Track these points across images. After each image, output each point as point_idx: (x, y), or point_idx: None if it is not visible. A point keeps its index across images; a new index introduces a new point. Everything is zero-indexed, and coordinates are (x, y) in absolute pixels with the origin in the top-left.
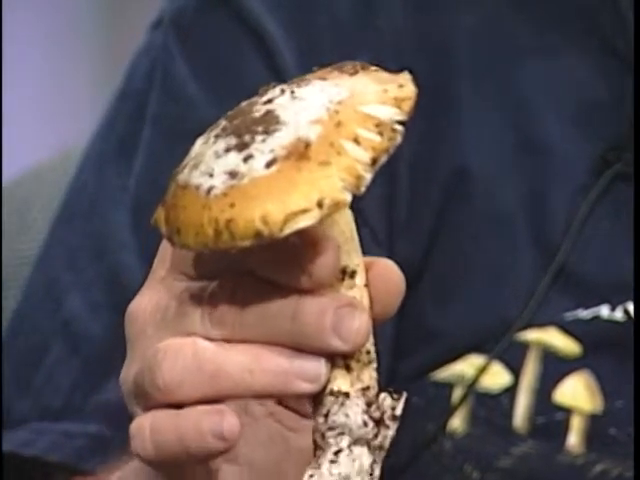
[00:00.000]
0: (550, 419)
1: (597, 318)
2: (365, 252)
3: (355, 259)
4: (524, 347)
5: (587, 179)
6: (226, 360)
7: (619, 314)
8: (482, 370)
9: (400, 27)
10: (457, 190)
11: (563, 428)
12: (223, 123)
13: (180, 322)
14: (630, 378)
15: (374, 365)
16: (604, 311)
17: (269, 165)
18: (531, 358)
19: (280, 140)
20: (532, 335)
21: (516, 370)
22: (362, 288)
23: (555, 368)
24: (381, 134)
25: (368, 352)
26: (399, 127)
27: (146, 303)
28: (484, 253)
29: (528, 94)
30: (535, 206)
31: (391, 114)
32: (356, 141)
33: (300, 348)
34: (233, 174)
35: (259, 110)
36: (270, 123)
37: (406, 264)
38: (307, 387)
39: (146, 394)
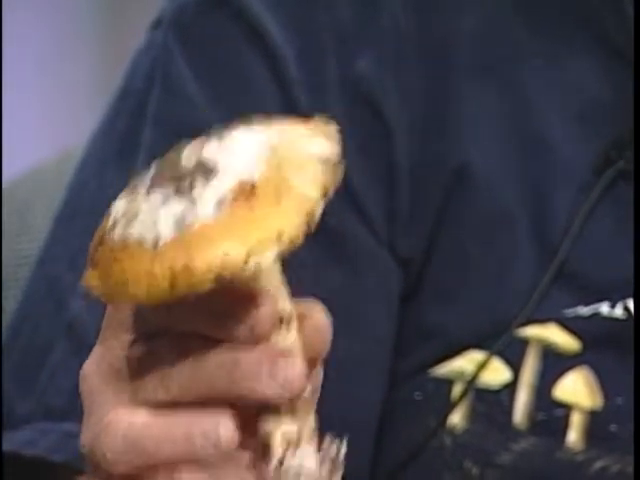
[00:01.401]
0: (550, 415)
1: (597, 315)
2: (367, 252)
3: (288, 305)
4: (524, 343)
5: (589, 178)
6: (159, 435)
7: (619, 311)
8: (482, 366)
9: (401, 27)
10: (458, 188)
11: (563, 424)
12: (151, 176)
13: (129, 387)
14: (631, 374)
15: (314, 408)
16: (604, 308)
17: (217, 209)
18: (531, 354)
19: (223, 184)
20: (532, 331)
21: (516, 366)
22: (295, 334)
23: (555, 364)
24: (324, 168)
25: (307, 397)
26: (337, 159)
27: (96, 363)
28: (485, 251)
29: (530, 93)
30: (536, 204)
31: (327, 149)
32: (301, 178)
33: (240, 400)
34: (180, 222)
35: (189, 159)
36: (206, 170)
37: (407, 262)
38: (213, 450)
39: (97, 465)
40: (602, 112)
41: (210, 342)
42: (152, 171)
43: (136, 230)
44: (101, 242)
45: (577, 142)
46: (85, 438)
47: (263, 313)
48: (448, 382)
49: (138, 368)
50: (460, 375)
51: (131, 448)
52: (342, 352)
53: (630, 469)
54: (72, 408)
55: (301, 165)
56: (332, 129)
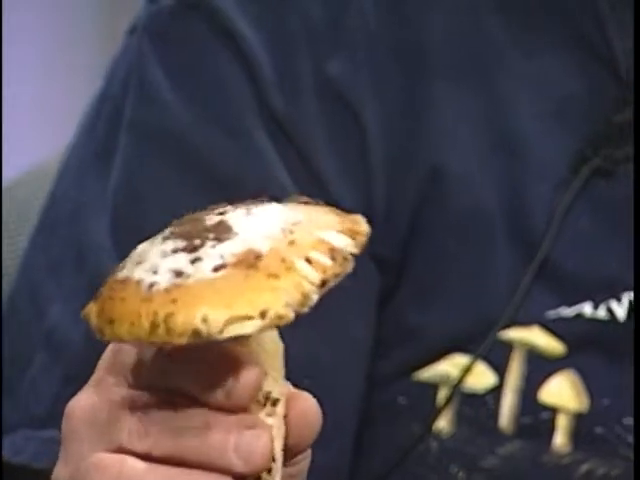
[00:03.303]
0: (536, 419)
1: (580, 316)
2: None
3: (279, 388)
4: (508, 347)
5: (565, 175)
6: None
7: (602, 312)
8: (467, 370)
9: (373, 27)
10: (433, 188)
11: (549, 427)
12: (170, 229)
13: (109, 431)
14: (616, 376)
15: None
16: (587, 309)
17: (217, 269)
18: (515, 358)
19: (231, 248)
20: (516, 334)
21: (501, 370)
22: (281, 418)
23: (540, 368)
24: (334, 259)
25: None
26: (351, 257)
27: (83, 403)
28: (462, 251)
29: (504, 91)
30: (513, 203)
31: (345, 243)
32: (308, 261)
33: (207, 467)
34: (179, 273)
35: (211, 219)
36: (222, 232)
37: (385, 264)
38: None
39: None
40: (577, 109)
41: (196, 404)
42: (176, 221)
43: (138, 273)
44: (110, 277)
45: (553, 139)
46: (62, 472)
47: (243, 382)
48: (433, 387)
49: (121, 414)
50: (445, 379)
51: None
52: (318, 354)
53: (615, 472)
54: (53, 415)
55: (312, 249)
56: (362, 229)
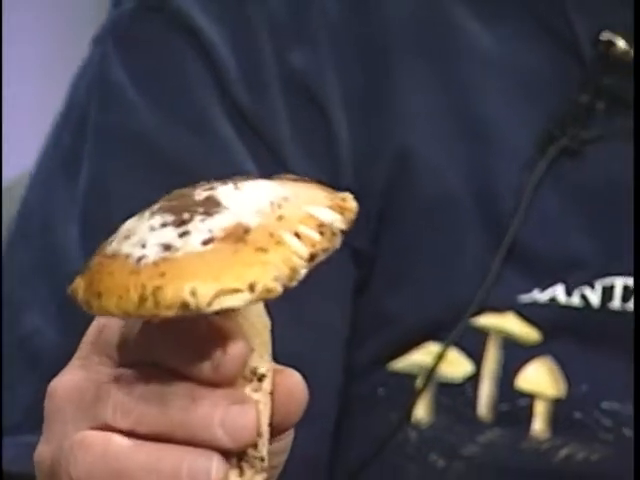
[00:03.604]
0: (514, 406)
1: (554, 301)
2: None
3: (266, 364)
4: (483, 334)
5: (532, 156)
6: (130, 460)
7: (576, 299)
8: (440, 357)
9: (335, 18)
10: (401, 175)
11: (527, 414)
12: (160, 203)
13: (93, 408)
14: (593, 362)
15: (265, 475)
16: (561, 295)
17: (206, 243)
18: (491, 345)
19: (220, 222)
20: (490, 321)
21: (477, 358)
22: (267, 394)
23: (516, 355)
24: (322, 234)
25: (262, 459)
26: (339, 232)
27: (66, 381)
28: (432, 237)
29: (469, 76)
30: (481, 186)
31: (334, 219)
32: (296, 235)
33: (193, 442)
34: (167, 246)
35: (200, 194)
36: (211, 206)
37: (358, 253)
38: None
39: (57, 477)
40: (542, 92)
41: (181, 379)
42: (166, 197)
43: (126, 247)
44: (98, 252)
45: (518, 122)
46: (45, 451)
47: (229, 355)
48: (410, 377)
49: (105, 392)
50: (421, 369)
51: (112, 468)
52: (293, 344)
53: (595, 457)
54: (28, 421)
55: (301, 223)
56: (350, 205)
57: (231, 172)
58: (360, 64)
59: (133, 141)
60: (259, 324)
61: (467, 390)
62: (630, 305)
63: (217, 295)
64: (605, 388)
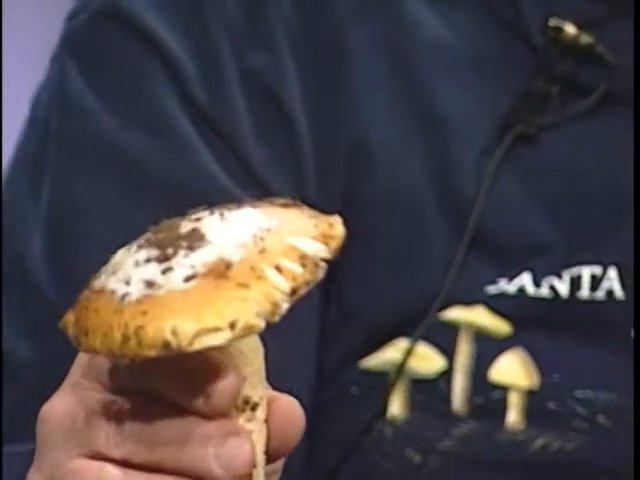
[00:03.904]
0: (488, 398)
1: (523, 293)
2: None
3: (259, 392)
4: (454, 329)
5: (489, 143)
6: None
7: (545, 290)
8: (409, 352)
9: (291, 16)
10: (361, 165)
11: (501, 406)
12: (147, 235)
13: (85, 436)
14: (564, 351)
15: None
16: (529, 286)
17: (188, 280)
18: (463, 340)
19: (202, 257)
20: (460, 315)
21: (449, 353)
22: (261, 422)
23: (488, 348)
24: (304, 266)
25: None
26: (322, 264)
27: (58, 407)
28: (394, 228)
29: (422, 64)
30: (441, 175)
31: (317, 249)
32: (278, 269)
33: (187, 474)
34: (150, 284)
35: (186, 227)
36: (195, 239)
37: None
38: None
39: None
40: (494, 76)
41: (174, 409)
42: (154, 228)
43: (112, 282)
44: (88, 285)
45: (473, 108)
46: (35, 477)
47: (221, 388)
48: (383, 375)
49: (97, 419)
50: (393, 366)
51: None
52: (267, 346)
53: (570, 446)
54: (13, 432)
55: (283, 256)
56: (336, 232)
57: (195, 171)
58: (317, 60)
59: (94, 147)
60: (251, 353)
61: (441, 385)
62: (599, 294)
63: (198, 334)
64: (578, 377)
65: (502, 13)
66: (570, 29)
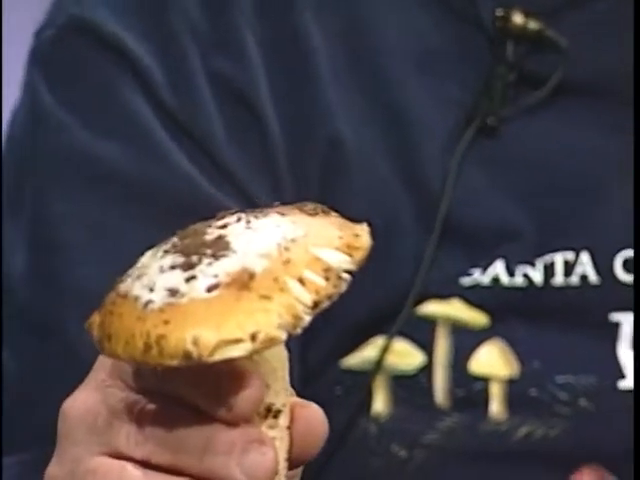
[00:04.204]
0: (469, 390)
1: (497, 283)
2: None
3: (282, 399)
4: (431, 323)
5: (452, 136)
6: None
7: (519, 279)
8: (385, 348)
9: (252, 20)
10: (334, 164)
11: (484, 397)
12: (174, 239)
13: (106, 434)
14: (542, 338)
15: None
16: (503, 276)
17: (210, 289)
18: (440, 334)
19: (226, 266)
20: (437, 309)
21: (428, 348)
22: (284, 429)
23: (466, 340)
24: (327, 279)
25: None
26: (346, 275)
27: (80, 403)
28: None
29: (381, 61)
30: (409, 169)
31: (341, 261)
32: (301, 281)
33: (210, 478)
34: (173, 292)
35: (212, 233)
36: (220, 248)
37: None
38: None
39: None
40: (451, 68)
41: (197, 414)
42: (181, 232)
43: (137, 288)
44: (114, 286)
45: (434, 101)
46: (56, 472)
47: (244, 396)
48: (364, 374)
49: (120, 418)
50: (373, 365)
51: None
52: None
53: (553, 432)
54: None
55: (306, 268)
56: (361, 243)
57: (171, 174)
58: (283, 62)
59: (69, 159)
60: (274, 360)
61: (422, 380)
62: (573, 279)
63: (219, 345)
64: (557, 362)
65: (457, 6)
66: (517, 17)
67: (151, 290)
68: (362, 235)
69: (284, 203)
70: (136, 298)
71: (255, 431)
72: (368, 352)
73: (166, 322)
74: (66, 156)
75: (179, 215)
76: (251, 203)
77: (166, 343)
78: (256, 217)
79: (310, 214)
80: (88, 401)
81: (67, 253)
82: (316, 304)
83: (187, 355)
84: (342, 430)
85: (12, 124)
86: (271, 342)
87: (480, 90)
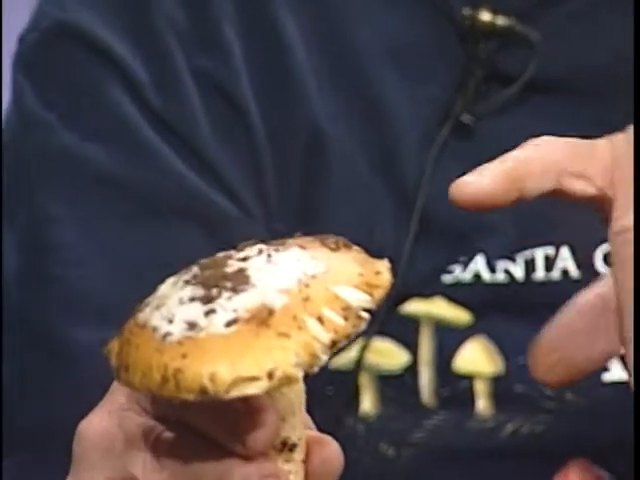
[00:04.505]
0: (455, 389)
1: (479, 279)
2: (243, 231)
3: (298, 433)
4: (415, 322)
5: (429, 132)
6: None
7: (500, 275)
8: (364, 347)
9: (232, 15)
10: (316, 157)
11: (470, 395)
12: (195, 270)
13: (122, 459)
14: (526, 333)
15: None
16: (484, 272)
17: (229, 324)
18: (424, 333)
19: (245, 301)
20: (420, 308)
21: (412, 347)
22: (299, 463)
23: (450, 338)
24: (346, 318)
25: None
26: (365, 314)
27: (95, 426)
28: (348, 221)
29: (359, 57)
30: (387, 166)
31: (361, 300)
32: (320, 320)
33: None
34: (192, 325)
35: (232, 265)
36: (240, 282)
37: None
38: None
39: None
40: (427, 66)
41: (213, 445)
42: (202, 262)
43: (156, 318)
44: (133, 314)
45: (411, 98)
46: None
47: (260, 431)
48: (352, 374)
49: (136, 444)
50: (361, 365)
51: None
52: None
53: (540, 428)
54: None
55: (326, 306)
56: (382, 282)
57: (161, 175)
58: (262, 56)
59: (57, 161)
60: (291, 394)
61: (407, 379)
62: (554, 274)
63: (235, 382)
64: None
65: (431, 4)
66: (485, 15)
67: (170, 322)
68: (383, 272)
69: (305, 234)
70: (154, 329)
71: (271, 465)
72: (354, 352)
73: (184, 356)
74: (55, 158)
75: (171, 213)
76: (235, 200)
77: (183, 377)
78: (277, 250)
79: (331, 248)
80: (104, 424)
81: (60, 254)
82: (334, 343)
83: (203, 390)
84: (331, 430)
85: (4, 128)
86: (287, 380)
87: (455, 87)
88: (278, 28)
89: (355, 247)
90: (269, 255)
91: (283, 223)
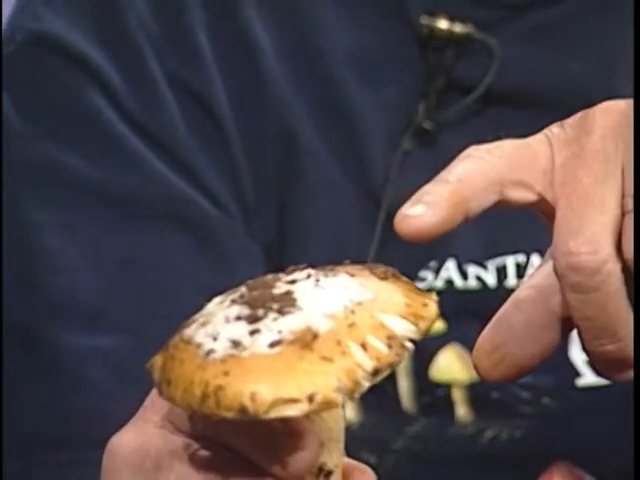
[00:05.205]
0: (433, 396)
1: (451, 285)
2: (238, 247)
3: (335, 459)
4: None
5: (393, 138)
6: None
7: (473, 282)
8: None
9: (203, 21)
10: (289, 158)
11: (448, 402)
12: (243, 290)
13: (154, 476)
14: None
15: None
16: (456, 278)
17: (273, 345)
18: None
19: (291, 324)
20: None
21: None
22: None
23: (425, 347)
24: (390, 347)
25: None
26: (409, 344)
27: (129, 441)
28: (320, 226)
29: (326, 62)
30: (355, 170)
31: (406, 330)
32: (363, 346)
33: None
34: (236, 344)
35: (280, 287)
36: (286, 304)
37: (267, 247)
38: None
39: None
40: (388, 72)
41: (249, 466)
42: (250, 283)
43: (200, 335)
44: (178, 330)
45: (375, 103)
46: None
47: (299, 456)
48: None
49: (168, 461)
50: None
51: None
52: None
53: (519, 433)
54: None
55: (371, 333)
56: (428, 313)
57: (143, 179)
58: (234, 61)
59: (36, 171)
60: (331, 419)
61: (387, 389)
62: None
63: (275, 403)
64: None
65: (392, 11)
66: (442, 23)
67: (214, 339)
68: (430, 305)
69: (355, 262)
70: (199, 345)
71: None
72: None
73: (226, 373)
74: (36, 168)
75: (153, 216)
76: (215, 201)
77: (224, 395)
78: (325, 276)
79: (380, 277)
80: (136, 441)
81: (47, 260)
82: (376, 371)
83: (243, 409)
84: None
85: None
86: (327, 405)
87: (416, 94)
88: (249, 32)
89: (404, 278)
90: (317, 280)
91: (260, 223)
